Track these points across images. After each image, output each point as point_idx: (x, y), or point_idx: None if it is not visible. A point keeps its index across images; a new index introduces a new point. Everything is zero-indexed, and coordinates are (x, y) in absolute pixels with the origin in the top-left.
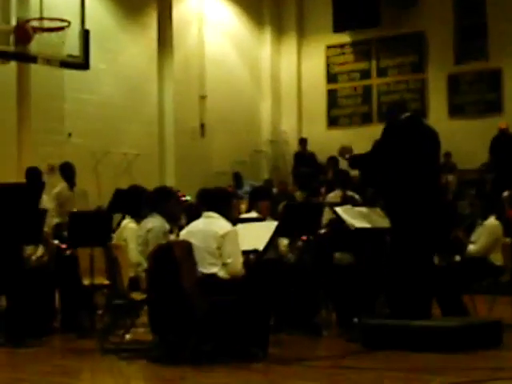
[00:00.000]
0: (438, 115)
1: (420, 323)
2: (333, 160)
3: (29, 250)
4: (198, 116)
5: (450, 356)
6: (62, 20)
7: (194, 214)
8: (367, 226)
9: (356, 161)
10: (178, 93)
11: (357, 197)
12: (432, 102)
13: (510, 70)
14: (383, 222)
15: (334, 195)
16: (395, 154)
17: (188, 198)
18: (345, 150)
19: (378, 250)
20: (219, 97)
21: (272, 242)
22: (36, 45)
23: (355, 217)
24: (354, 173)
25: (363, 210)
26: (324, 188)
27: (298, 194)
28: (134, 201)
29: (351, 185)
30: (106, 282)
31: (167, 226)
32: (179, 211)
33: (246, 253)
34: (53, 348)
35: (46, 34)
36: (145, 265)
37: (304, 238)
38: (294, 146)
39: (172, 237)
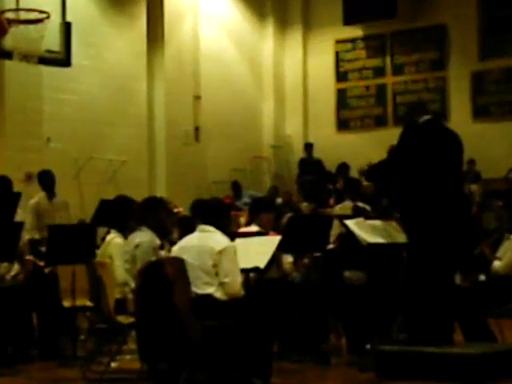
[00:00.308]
0: (460, 117)
1: (441, 350)
2: (343, 167)
3: (2, 267)
4: (192, 118)
5: None
6: (41, 11)
7: (187, 227)
8: (381, 241)
9: (373, 172)
10: (170, 93)
11: (369, 208)
12: (454, 102)
13: None
14: (399, 237)
15: (344, 207)
16: (413, 161)
17: (181, 209)
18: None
19: (393, 268)
20: (216, 97)
21: (275, 259)
22: (11, 39)
23: (368, 231)
24: (367, 182)
25: (377, 223)
26: (333, 199)
27: (304, 206)
28: (121, 213)
29: (363, 195)
30: (89, 303)
31: (157, 241)
32: (170, 224)
33: (245, 271)
34: (30, 378)
35: (22, 27)
36: (132, 284)
37: (311, 254)
38: (299, 152)
39: (163, 253)
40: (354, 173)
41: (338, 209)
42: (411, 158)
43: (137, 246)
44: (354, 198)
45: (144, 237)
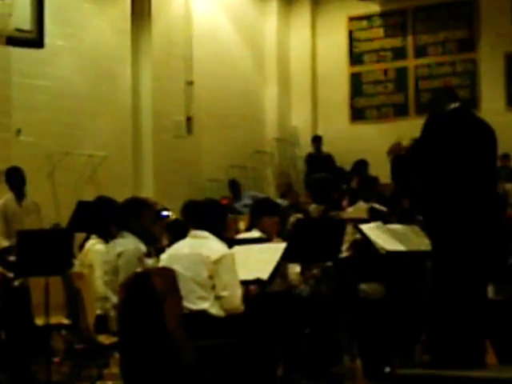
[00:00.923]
0: (492, 106)
1: (471, 374)
2: (360, 165)
3: None
4: (183, 107)
5: None
6: None
7: (178, 232)
8: (402, 248)
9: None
10: (158, 78)
11: (387, 211)
12: (485, 88)
13: None
14: (422, 244)
15: (359, 209)
16: (437, 156)
17: (169, 213)
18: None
19: (415, 280)
20: (211, 83)
21: (279, 270)
22: None
23: (386, 237)
24: (385, 179)
25: (397, 228)
26: (346, 200)
27: (313, 208)
28: (102, 216)
29: (381, 196)
30: (66, 321)
31: (142, 249)
32: (158, 229)
33: (245, 283)
34: None
35: None
36: (113, 299)
37: (320, 264)
38: (306, 146)
39: (150, 262)
40: (372, 171)
41: (351, 211)
42: (435, 153)
43: (119, 255)
44: (369, 198)
45: (127, 244)
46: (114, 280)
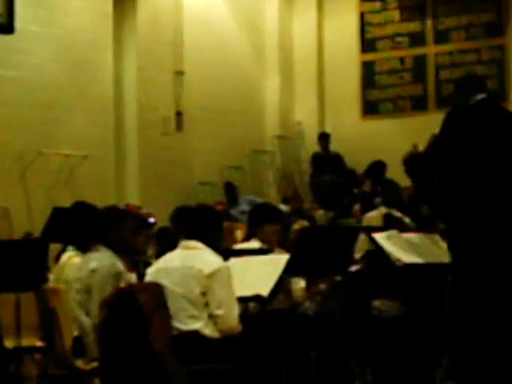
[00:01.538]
0: None
1: None
2: (377, 168)
3: None
4: (172, 101)
5: None
6: None
7: (166, 243)
8: (421, 260)
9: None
10: (144, 67)
11: (407, 220)
12: None
13: None
14: (444, 255)
15: (372, 216)
16: (460, 155)
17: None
18: None
19: (436, 296)
20: (203, 73)
21: (281, 285)
22: None
23: (403, 247)
24: (402, 183)
25: (415, 237)
26: (358, 205)
27: (320, 214)
28: (80, 224)
29: (397, 201)
30: (40, 343)
31: (119, 266)
32: (142, 240)
33: (243, 300)
34: None
35: None
36: (85, 322)
37: (329, 278)
38: (312, 145)
39: (134, 277)
40: (389, 173)
41: (364, 219)
42: (457, 152)
43: (92, 272)
44: (385, 204)
45: (102, 260)
46: (86, 300)
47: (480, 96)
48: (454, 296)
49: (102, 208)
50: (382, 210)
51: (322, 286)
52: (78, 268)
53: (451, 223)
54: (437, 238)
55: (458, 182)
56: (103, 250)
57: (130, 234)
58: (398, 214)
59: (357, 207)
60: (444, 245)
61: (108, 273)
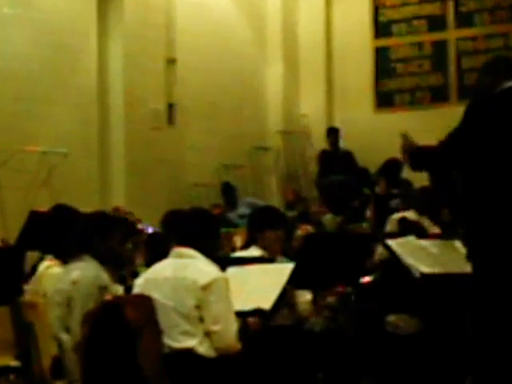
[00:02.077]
0: None
1: None
2: (391, 165)
3: None
4: (163, 92)
5: None
6: None
7: (157, 250)
8: (441, 270)
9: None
10: (132, 54)
11: (426, 224)
12: None
13: None
14: (467, 264)
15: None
16: (483, 150)
17: (146, 226)
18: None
19: (458, 310)
20: (198, 61)
21: (285, 298)
22: None
23: (422, 255)
24: (419, 183)
25: (435, 244)
26: (371, 209)
27: (328, 219)
28: (60, 230)
29: (415, 202)
30: (15, 362)
31: (104, 279)
32: (131, 248)
33: (243, 315)
34: None
35: None
36: (66, 341)
37: (338, 290)
38: (320, 141)
39: (120, 290)
40: (407, 173)
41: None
42: (480, 147)
43: (74, 283)
44: (402, 206)
45: (86, 271)
46: (66, 315)
47: (507, 84)
48: (475, 311)
49: (87, 213)
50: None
51: (331, 299)
52: (59, 279)
53: (470, 227)
54: (459, 244)
55: (479, 181)
56: (88, 259)
57: (119, 243)
58: (412, 216)
59: (369, 211)
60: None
61: (91, 285)
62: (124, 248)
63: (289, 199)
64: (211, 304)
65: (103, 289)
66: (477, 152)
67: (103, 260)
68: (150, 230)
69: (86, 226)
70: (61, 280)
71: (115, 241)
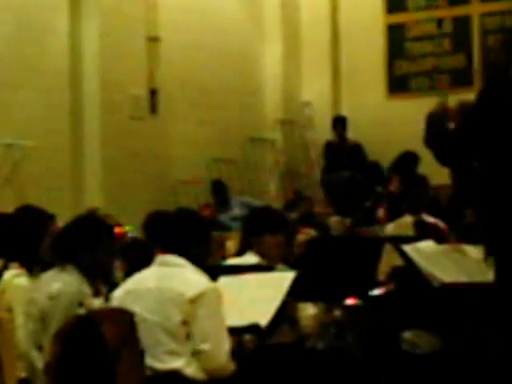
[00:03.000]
0: None
1: None
2: (406, 159)
3: None
4: (144, 76)
5: None
6: None
7: (137, 258)
8: (464, 279)
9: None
10: (109, 33)
11: (443, 226)
12: None
13: None
14: (490, 272)
15: (401, 223)
16: (502, 138)
17: (127, 230)
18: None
19: (484, 326)
20: (184, 40)
21: (285, 312)
22: None
23: (442, 263)
24: (439, 179)
25: (457, 249)
26: (383, 210)
27: (335, 221)
28: (27, 235)
29: (434, 203)
30: None
31: (86, 292)
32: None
33: (237, 332)
34: None
35: None
36: (38, 360)
37: (347, 303)
38: (324, 132)
39: (97, 303)
40: (423, 168)
41: (392, 228)
42: (498, 134)
43: (52, 298)
44: (418, 208)
45: (68, 283)
46: (40, 331)
47: None
48: (499, 326)
49: (56, 213)
50: (407, 218)
51: (338, 314)
52: (35, 288)
53: (491, 225)
54: (482, 249)
55: (499, 172)
56: (71, 270)
57: (107, 254)
58: (428, 218)
59: (381, 211)
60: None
61: (72, 301)
62: (112, 259)
63: (289, 199)
64: (200, 319)
65: (85, 304)
66: (496, 139)
67: (88, 272)
68: (130, 235)
69: (71, 231)
70: (36, 290)
71: (104, 251)
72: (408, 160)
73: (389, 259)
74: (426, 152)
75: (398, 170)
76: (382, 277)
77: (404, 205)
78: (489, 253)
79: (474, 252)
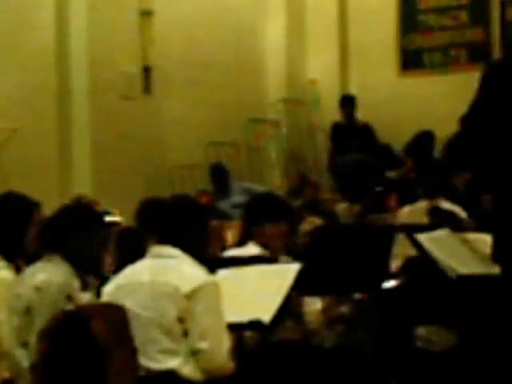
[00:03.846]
0: None
1: None
2: (421, 141)
3: None
4: (137, 52)
5: None
6: None
7: (129, 249)
8: (483, 271)
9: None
10: (97, 7)
11: (463, 214)
12: None
13: None
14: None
15: (415, 209)
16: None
17: (117, 218)
18: None
19: (504, 321)
20: (180, 13)
21: (290, 307)
22: None
23: (458, 253)
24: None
25: (475, 238)
26: (395, 196)
27: (343, 208)
28: (10, 225)
29: (451, 188)
30: None
31: (74, 284)
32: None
33: (237, 328)
34: None
35: None
36: (23, 360)
37: (356, 296)
38: (331, 112)
39: (86, 297)
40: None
41: (406, 213)
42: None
43: (38, 289)
44: (434, 193)
45: (54, 274)
46: (25, 326)
47: None
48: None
49: (42, 201)
50: (423, 203)
51: (346, 309)
52: (19, 281)
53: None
54: None
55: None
56: (58, 261)
57: (99, 245)
58: (444, 205)
59: (393, 198)
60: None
61: (58, 293)
62: (104, 251)
63: (293, 184)
64: (198, 316)
65: (73, 296)
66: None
67: (77, 263)
68: (122, 224)
69: (59, 219)
70: (21, 283)
71: (94, 241)
72: (422, 142)
73: (401, 249)
74: (442, 133)
75: (411, 153)
76: (393, 268)
77: (419, 189)
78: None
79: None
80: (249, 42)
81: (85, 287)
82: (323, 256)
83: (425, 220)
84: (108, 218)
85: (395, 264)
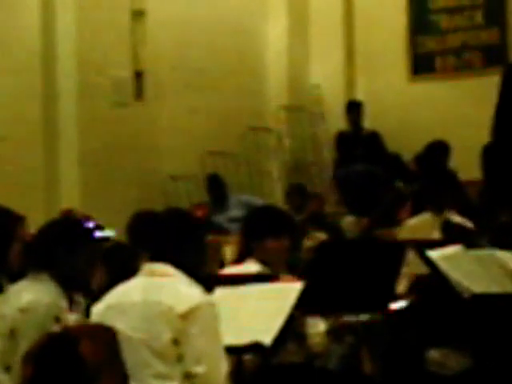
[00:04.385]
0: None
1: None
2: (433, 150)
3: None
4: (128, 55)
5: None
6: None
7: (120, 267)
8: (498, 290)
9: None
10: (86, 6)
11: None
12: None
13: None
14: None
15: (425, 222)
16: None
17: (109, 233)
18: None
19: None
20: (174, 14)
21: (292, 328)
22: None
23: (472, 271)
24: (470, 174)
25: (490, 255)
26: (407, 209)
27: (349, 222)
28: None
29: (464, 201)
30: None
31: (62, 305)
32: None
33: (236, 351)
34: None
35: None
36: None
37: (361, 317)
38: (337, 120)
39: (73, 318)
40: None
41: (412, 226)
42: None
43: (23, 311)
44: (443, 206)
45: (41, 294)
46: (9, 350)
47: None
48: None
49: (27, 213)
50: (428, 215)
51: (352, 330)
52: (2, 301)
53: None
54: None
55: None
56: (46, 280)
57: (87, 262)
58: (456, 218)
59: (404, 211)
60: None
61: (45, 315)
62: (92, 268)
63: (295, 194)
64: (193, 338)
65: (61, 318)
66: None
67: (65, 282)
68: (112, 239)
69: (47, 235)
70: (5, 304)
71: (83, 258)
72: (434, 151)
73: (412, 267)
74: (456, 142)
75: (423, 163)
76: (403, 287)
77: (424, 200)
78: None
79: (510, 258)
80: (248, 44)
81: (70, 306)
82: (328, 273)
83: (430, 234)
84: (98, 234)
85: (402, 286)
